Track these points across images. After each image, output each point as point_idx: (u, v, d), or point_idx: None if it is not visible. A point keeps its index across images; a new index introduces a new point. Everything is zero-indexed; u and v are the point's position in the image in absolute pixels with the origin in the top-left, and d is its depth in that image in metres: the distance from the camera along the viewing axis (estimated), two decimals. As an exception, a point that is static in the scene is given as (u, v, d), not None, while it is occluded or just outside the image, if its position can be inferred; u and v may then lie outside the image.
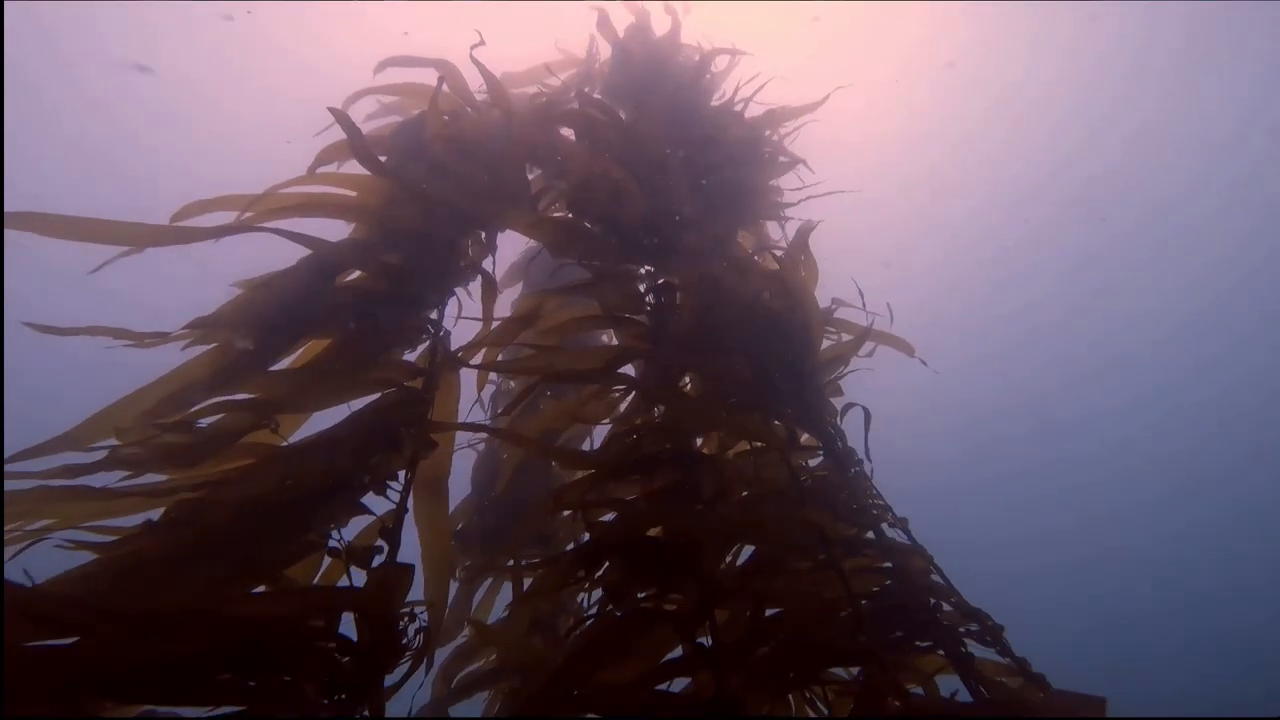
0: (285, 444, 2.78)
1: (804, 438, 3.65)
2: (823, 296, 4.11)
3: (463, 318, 3.52)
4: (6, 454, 2.50)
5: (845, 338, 4.03)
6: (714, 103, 5.21)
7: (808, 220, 4.02)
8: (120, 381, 2.79)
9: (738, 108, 4.96)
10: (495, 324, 3.67)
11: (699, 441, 3.49)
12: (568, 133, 4.58)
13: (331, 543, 2.63)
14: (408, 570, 2.53)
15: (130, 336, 2.83)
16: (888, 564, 3.25)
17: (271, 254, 3.31)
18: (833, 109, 5.13)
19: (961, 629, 3.06)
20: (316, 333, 3.13)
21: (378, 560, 2.53)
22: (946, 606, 3.16)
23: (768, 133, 4.98)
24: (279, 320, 3.02)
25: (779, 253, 4.09)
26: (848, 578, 3.07)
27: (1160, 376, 26.73)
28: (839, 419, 3.70)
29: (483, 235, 4.02)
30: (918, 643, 3.02)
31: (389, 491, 2.79)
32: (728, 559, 3.17)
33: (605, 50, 5.38)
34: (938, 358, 4.19)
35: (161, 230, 2.92)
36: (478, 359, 3.63)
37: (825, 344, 4.00)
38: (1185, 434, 27.45)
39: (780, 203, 4.93)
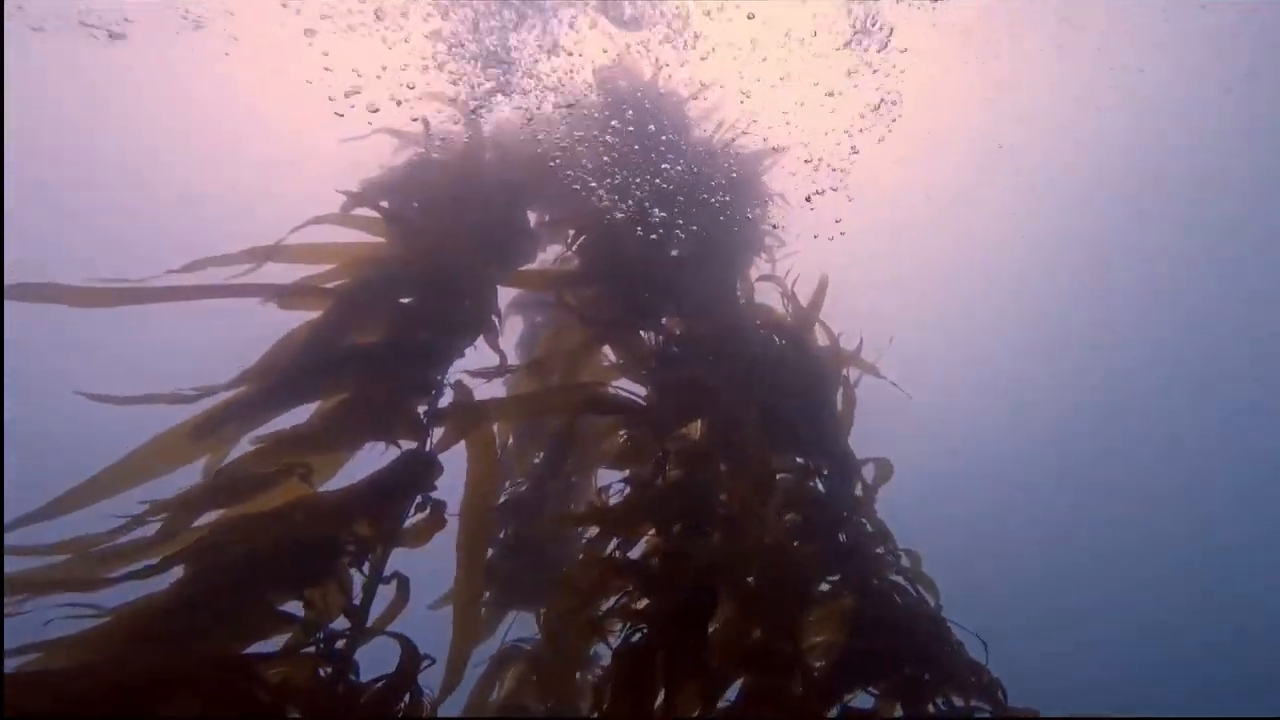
0: (304, 501, 2.84)
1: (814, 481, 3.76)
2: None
3: (476, 371, 3.56)
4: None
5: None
6: (696, 136, 5.32)
7: (824, 274, 4.12)
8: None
9: (719, 145, 5.07)
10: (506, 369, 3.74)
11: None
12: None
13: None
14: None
15: (180, 399, 2.91)
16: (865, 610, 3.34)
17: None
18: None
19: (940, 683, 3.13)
20: (339, 385, 3.20)
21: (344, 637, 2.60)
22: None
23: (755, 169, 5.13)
24: (296, 375, 3.09)
25: (786, 299, 4.20)
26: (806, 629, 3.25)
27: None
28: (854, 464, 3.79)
29: (489, 281, 4.10)
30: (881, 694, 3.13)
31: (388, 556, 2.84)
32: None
33: (592, 95, 5.47)
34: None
35: (175, 290, 2.99)
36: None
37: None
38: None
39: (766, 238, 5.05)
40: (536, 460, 4.53)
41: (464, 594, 3.59)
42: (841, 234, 4.68)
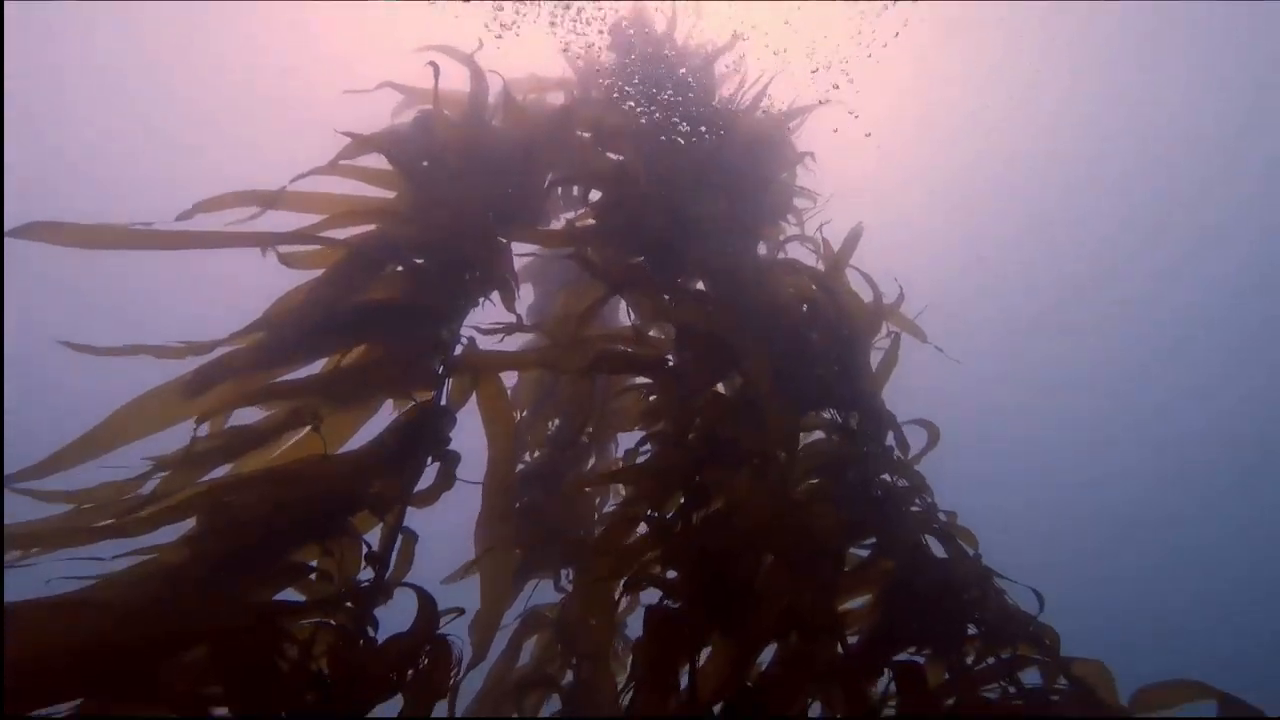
0: (318, 457, 2.71)
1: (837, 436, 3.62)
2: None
3: (487, 327, 3.42)
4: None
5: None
6: (720, 96, 5.17)
7: (858, 223, 3.97)
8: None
9: (745, 104, 4.92)
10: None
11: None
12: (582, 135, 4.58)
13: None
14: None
15: (169, 353, 2.77)
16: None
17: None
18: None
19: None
20: (346, 342, 3.06)
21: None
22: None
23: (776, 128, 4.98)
24: (309, 330, 2.95)
25: (814, 251, 4.06)
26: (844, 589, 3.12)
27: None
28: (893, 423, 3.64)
29: (502, 243, 3.98)
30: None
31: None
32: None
33: (606, 55, 5.33)
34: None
35: (186, 236, 2.85)
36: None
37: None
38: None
39: (795, 199, 4.89)
40: (553, 427, 4.42)
41: (490, 558, 3.48)
42: (856, 118, 4.53)
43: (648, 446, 3.51)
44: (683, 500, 3.00)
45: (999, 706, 2.65)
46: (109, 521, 2.26)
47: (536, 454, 4.24)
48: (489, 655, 3.87)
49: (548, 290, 5.03)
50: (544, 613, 4.19)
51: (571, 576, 3.95)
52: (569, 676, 4.05)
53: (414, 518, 3.19)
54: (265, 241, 3.06)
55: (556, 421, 4.28)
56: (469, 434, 3.66)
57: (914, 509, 3.28)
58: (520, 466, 4.25)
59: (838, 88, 5.04)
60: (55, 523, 2.29)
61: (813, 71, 4.98)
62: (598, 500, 4.34)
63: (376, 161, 3.64)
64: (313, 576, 2.45)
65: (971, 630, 3.07)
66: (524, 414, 4.25)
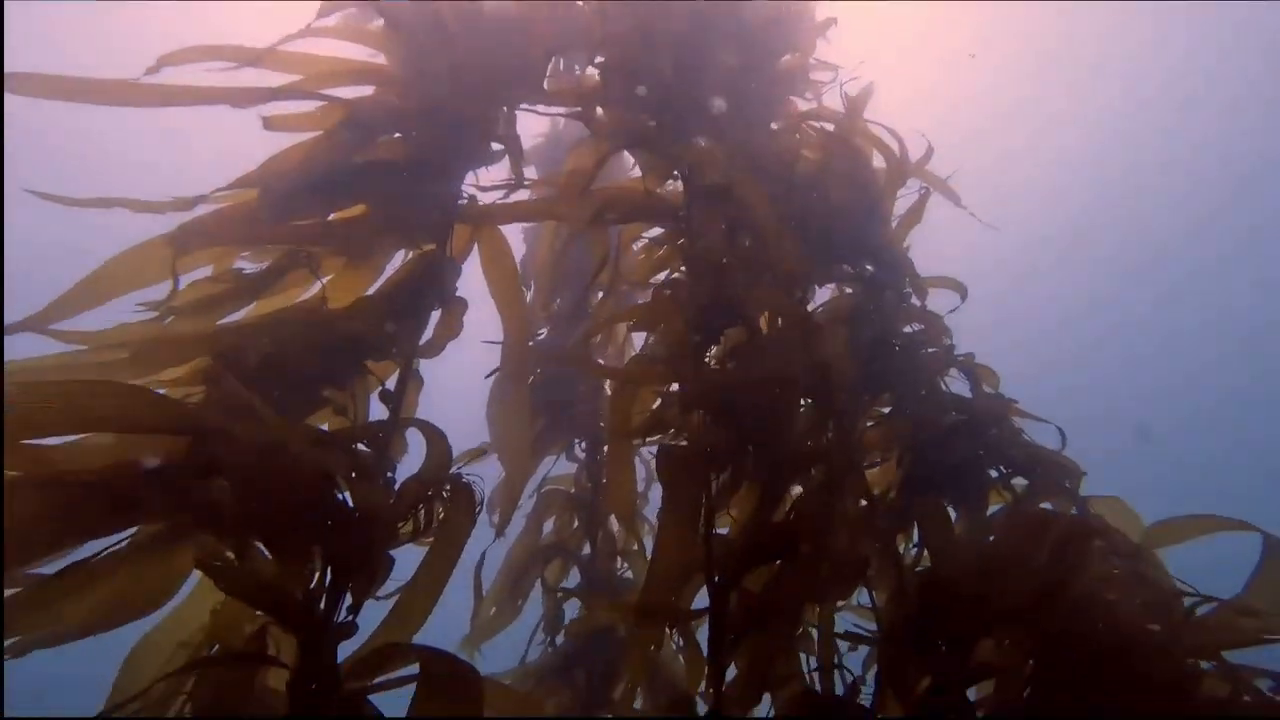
0: (320, 303, 2.66)
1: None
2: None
3: (490, 187, 3.30)
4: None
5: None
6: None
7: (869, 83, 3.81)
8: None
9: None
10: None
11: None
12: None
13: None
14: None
15: (151, 207, 2.68)
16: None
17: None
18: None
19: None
20: (349, 199, 2.98)
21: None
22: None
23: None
24: (308, 186, 2.86)
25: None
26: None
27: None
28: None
29: (505, 109, 3.84)
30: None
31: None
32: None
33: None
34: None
35: (164, 89, 2.72)
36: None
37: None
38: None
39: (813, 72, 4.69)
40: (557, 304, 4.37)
41: (508, 427, 3.45)
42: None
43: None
44: (701, 338, 2.94)
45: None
46: (123, 357, 2.23)
47: (547, 329, 4.22)
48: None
49: (552, 169, 4.90)
50: (560, 488, 4.22)
51: (585, 445, 3.97)
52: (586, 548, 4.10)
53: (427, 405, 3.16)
54: (256, 98, 2.94)
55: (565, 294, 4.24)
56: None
57: (932, 351, 3.23)
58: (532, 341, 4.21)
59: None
60: (61, 359, 2.26)
61: None
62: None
63: (363, 20, 3.49)
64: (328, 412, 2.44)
65: (994, 474, 3.06)
66: (533, 285, 4.19)
